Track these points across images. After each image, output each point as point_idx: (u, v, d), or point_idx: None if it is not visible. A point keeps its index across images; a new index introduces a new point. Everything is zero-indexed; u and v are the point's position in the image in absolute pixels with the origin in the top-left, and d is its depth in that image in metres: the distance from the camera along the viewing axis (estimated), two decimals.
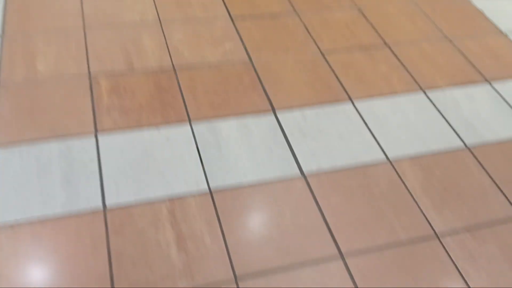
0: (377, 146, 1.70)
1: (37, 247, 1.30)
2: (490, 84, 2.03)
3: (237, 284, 1.28)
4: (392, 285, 1.34)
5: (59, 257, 1.29)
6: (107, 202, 1.42)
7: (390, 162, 1.66)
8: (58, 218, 1.36)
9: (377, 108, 1.84)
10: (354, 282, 1.33)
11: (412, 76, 2.01)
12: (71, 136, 1.58)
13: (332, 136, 1.71)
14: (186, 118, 1.69)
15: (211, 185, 1.50)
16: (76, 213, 1.38)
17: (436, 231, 1.48)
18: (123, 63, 1.87)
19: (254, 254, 1.36)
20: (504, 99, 1.97)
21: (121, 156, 1.54)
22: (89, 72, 1.81)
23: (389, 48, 2.14)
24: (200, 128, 1.67)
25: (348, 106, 1.83)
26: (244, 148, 1.63)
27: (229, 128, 1.68)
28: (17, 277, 1.24)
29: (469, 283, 1.36)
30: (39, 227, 1.34)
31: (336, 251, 1.39)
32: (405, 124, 1.80)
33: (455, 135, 1.78)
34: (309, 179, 1.56)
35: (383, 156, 1.67)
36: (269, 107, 1.78)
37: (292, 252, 1.37)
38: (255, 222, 1.44)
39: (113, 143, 1.58)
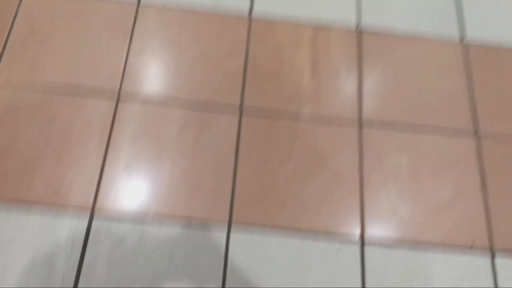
0: None
1: (181, 34, 1.33)
2: None
3: (360, 127, 1.25)
4: None
5: (199, 49, 1.31)
6: (254, 9, 1.38)
7: None
8: (205, 13, 1.36)
9: None
10: (480, 163, 1.24)
11: None
12: None
13: (510, 9, 1.48)
14: None
15: (361, 22, 1.40)
16: (223, 12, 1.37)
17: None
18: None
19: (385, 104, 1.29)
20: None
21: None
22: None
23: None
24: None
25: None
26: None
27: None
28: (154, 76, 1.29)
29: None
30: (186, 16, 1.35)
31: (472, 128, 1.28)
32: None
33: None
34: (468, 47, 1.40)
35: None
36: None
37: (426, 115, 1.28)
38: (396, 75, 1.35)
39: None
